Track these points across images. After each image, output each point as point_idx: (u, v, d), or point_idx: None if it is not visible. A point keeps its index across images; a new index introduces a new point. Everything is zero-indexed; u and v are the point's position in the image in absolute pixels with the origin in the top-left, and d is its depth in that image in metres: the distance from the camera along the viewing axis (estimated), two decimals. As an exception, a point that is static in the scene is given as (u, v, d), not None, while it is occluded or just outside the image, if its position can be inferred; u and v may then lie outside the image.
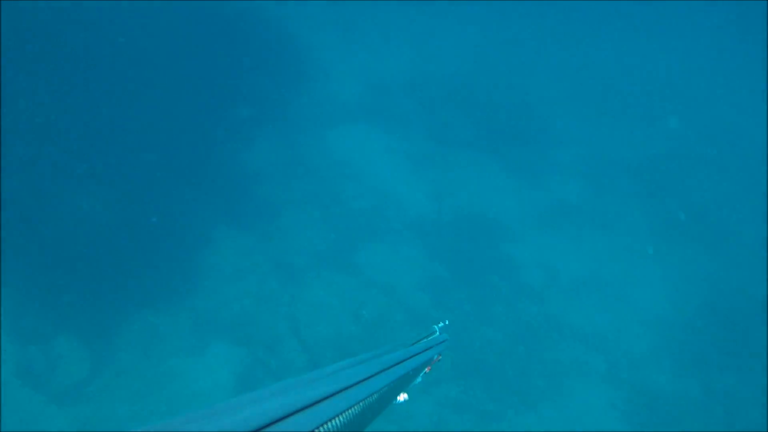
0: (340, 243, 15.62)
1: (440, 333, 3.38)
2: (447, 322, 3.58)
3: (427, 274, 15.61)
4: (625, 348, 15.68)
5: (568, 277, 16.99)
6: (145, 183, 14.96)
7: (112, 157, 15.00)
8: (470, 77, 21.45)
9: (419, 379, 2.77)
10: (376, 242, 15.90)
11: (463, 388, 13.89)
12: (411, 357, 2.24)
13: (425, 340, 3.03)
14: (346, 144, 18.28)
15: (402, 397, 2.31)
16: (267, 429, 0.91)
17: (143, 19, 18.21)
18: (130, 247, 13.74)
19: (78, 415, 11.35)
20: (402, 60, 22.09)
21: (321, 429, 1.06)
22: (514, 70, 22.46)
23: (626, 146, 21.50)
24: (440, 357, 3.08)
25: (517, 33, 25.17)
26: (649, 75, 25.29)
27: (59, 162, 14.40)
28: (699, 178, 20.65)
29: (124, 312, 12.87)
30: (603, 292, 16.83)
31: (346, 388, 1.32)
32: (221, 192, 15.74)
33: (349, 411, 1.23)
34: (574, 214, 18.70)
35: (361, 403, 1.34)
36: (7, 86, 14.48)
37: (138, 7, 18.09)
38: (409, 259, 15.81)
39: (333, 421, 1.11)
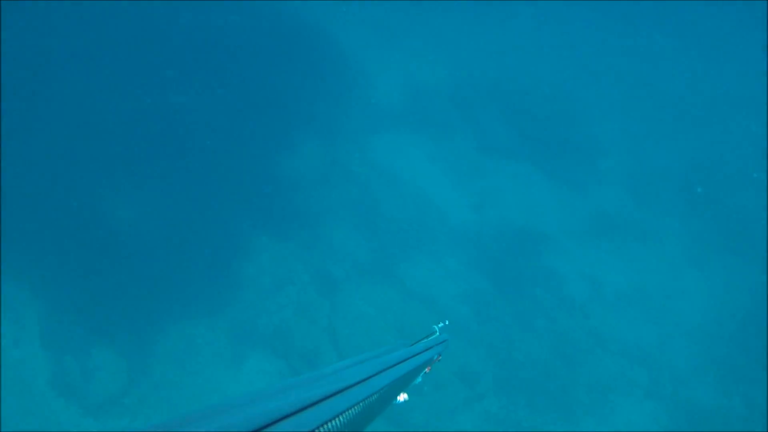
0: (381, 253, 15.53)
1: (440, 333, 3.33)
2: (447, 323, 3.54)
3: (468, 286, 15.53)
4: (668, 362, 15.48)
5: (611, 290, 16.79)
6: (185, 192, 15.01)
7: (152, 165, 15.07)
8: (513, 84, 21.19)
9: (419, 379, 2.75)
10: (418, 253, 15.80)
11: (504, 403, 13.82)
12: (411, 357, 2.22)
13: (425, 340, 2.98)
14: (387, 152, 18.19)
15: (402, 397, 2.32)
16: (267, 429, 0.90)
17: (185, 23, 18.38)
18: (169, 258, 13.73)
19: (114, 428, 11.36)
20: (445, 65, 21.90)
21: (321, 429, 1.05)
22: (557, 77, 22.13)
23: (670, 155, 21.11)
24: (440, 357, 3.01)
25: (561, 39, 24.81)
26: (695, 83, 24.74)
27: (98, 169, 14.56)
28: (744, 188, 20.19)
29: (161, 323, 12.87)
30: (646, 305, 16.59)
31: (346, 388, 1.32)
32: (261, 201, 15.68)
33: (350, 411, 1.22)
34: (617, 224, 18.43)
35: (361, 403, 1.32)
36: (52, 91, 14.76)
37: (180, 9, 18.28)
38: (450, 270, 15.75)
39: (333, 422, 1.11)
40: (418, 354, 2.36)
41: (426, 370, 2.77)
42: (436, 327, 3.39)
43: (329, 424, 1.08)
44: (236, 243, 14.68)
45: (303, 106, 18.17)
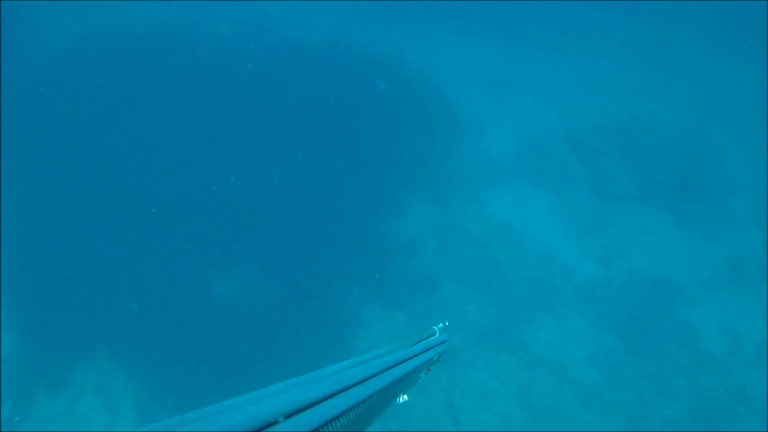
0: (502, 318, 15.18)
1: (440, 334, 3.35)
2: (447, 323, 3.55)
3: (598, 347, 15.06)
4: (819, 418, 14.41)
5: (752, 342, 15.72)
6: (292, 261, 15.08)
7: (261, 232, 15.41)
8: (631, 125, 20.30)
9: (419, 380, 2.77)
10: (542, 315, 15.35)
11: (645, 474, 13.45)
12: (411, 358, 2.21)
13: (425, 341, 2.98)
14: (503, 206, 17.90)
15: (402, 398, 2.35)
16: (268, 429, 0.90)
17: (294, 81, 19.07)
18: (277, 335, 13.69)
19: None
20: (558, 110, 21.40)
21: (322, 430, 1.05)
22: (680, 114, 20.97)
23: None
24: (440, 358, 3.03)
25: (679, 74, 23.47)
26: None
27: (198, 247, 15.07)
28: None
29: None
30: (791, 357, 15.51)
31: (346, 389, 1.31)
32: (369, 269, 15.50)
33: (350, 412, 1.21)
34: (755, 270, 17.24)
35: (361, 404, 1.31)
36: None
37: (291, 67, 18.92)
38: (577, 331, 15.35)
39: (334, 422, 1.10)
40: (418, 355, 2.37)
41: (426, 371, 2.79)
42: (435, 328, 3.43)
43: (330, 425, 1.09)
44: (346, 314, 14.57)
45: (412, 164, 18.14)
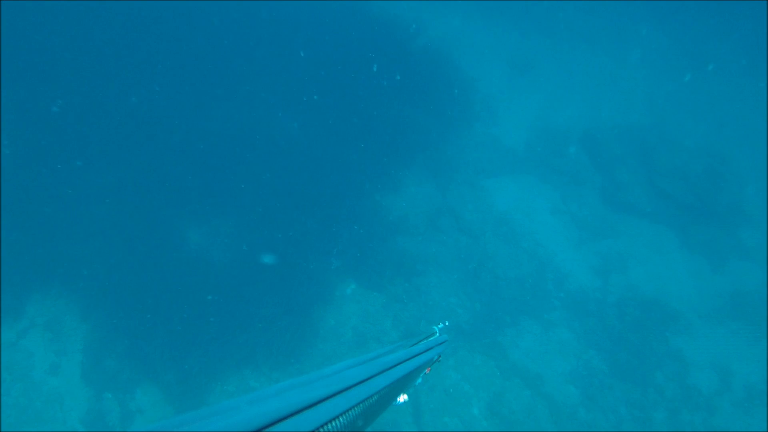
0: (485, 316, 14.06)
1: (440, 334, 3.29)
2: (447, 323, 3.53)
3: (581, 364, 13.99)
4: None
5: (742, 384, 14.82)
6: (272, 220, 13.79)
7: (235, 195, 14.18)
8: (652, 133, 19.04)
9: (419, 380, 2.77)
10: (527, 320, 14.26)
11: None
12: (411, 358, 2.20)
13: (425, 341, 2.94)
14: (505, 197, 16.70)
15: (402, 398, 2.35)
16: (268, 429, 0.89)
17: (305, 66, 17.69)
18: (241, 298, 12.45)
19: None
20: (580, 105, 20.11)
21: (321, 430, 1.04)
22: (708, 132, 19.66)
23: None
24: (440, 358, 3.00)
25: (713, 91, 22.02)
26: None
27: (174, 198, 13.89)
28: None
29: (221, 369, 11.67)
30: (780, 406, 14.58)
31: (346, 389, 1.29)
32: (353, 243, 14.26)
33: (350, 412, 1.20)
34: (758, 308, 16.23)
35: (361, 404, 1.30)
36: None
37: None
38: (562, 343, 14.24)
39: (334, 422, 1.09)
40: (418, 355, 2.34)
41: (426, 371, 2.78)
42: (435, 328, 3.35)
43: (330, 425, 1.08)
44: (319, 288, 13.33)
45: (415, 136, 16.80)
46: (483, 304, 14.33)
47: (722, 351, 15.25)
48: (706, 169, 17.87)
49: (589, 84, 20.88)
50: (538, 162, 17.93)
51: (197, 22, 16.78)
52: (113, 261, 12.39)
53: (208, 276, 12.52)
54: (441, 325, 3.46)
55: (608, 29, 23.26)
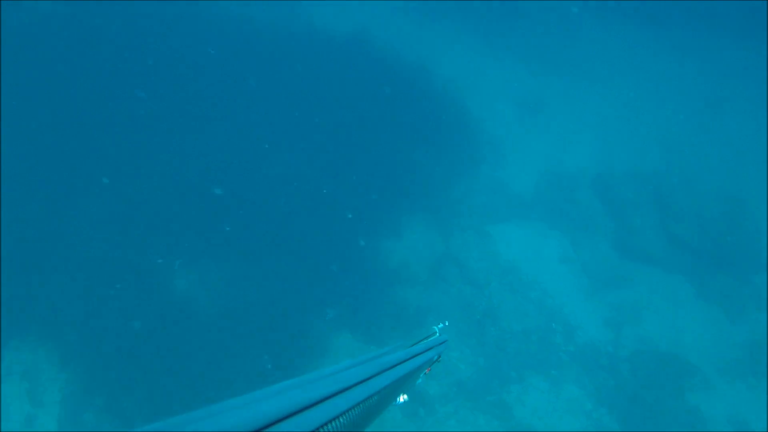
0: (489, 372, 13.51)
1: (440, 334, 3.28)
2: (447, 323, 3.48)
3: (591, 423, 13.32)
4: None
5: (762, 441, 14.05)
6: (264, 266, 13.35)
7: (232, 232, 13.84)
8: (668, 177, 18.38)
9: (419, 380, 2.81)
10: (534, 376, 13.64)
11: None
12: (411, 358, 2.17)
13: (425, 341, 2.96)
14: (512, 245, 16.13)
15: (402, 398, 2.44)
16: (267, 429, 0.89)
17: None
18: (230, 350, 11.97)
19: None
20: (590, 148, 19.56)
21: (321, 430, 1.03)
22: (720, 176, 18.88)
23: None
24: (440, 358, 3.02)
25: (731, 134, 21.13)
26: None
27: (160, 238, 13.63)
28: None
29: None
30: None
31: (346, 389, 1.29)
32: (349, 295, 13.69)
33: (350, 412, 1.20)
34: (777, 361, 15.41)
35: (361, 404, 1.30)
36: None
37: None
38: (571, 400, 13.58)
39: (333, 422, 1.09)
40: (418, 355, 2.33)
41: (426, 371, 2.80)
42: (435, 328, 3.36)
43: (329, 425, 1.08)
44: (314, 341, 12.85)
45: (417, 179, 16.35)
46: (487, 358, 13.74)
47: (740, 407, 14.48)
48: (723, 215, 17.18)
49: (601, 125, 20.32)
50: (548, 207, 17.37)
51: (201, 71, 16.67)
52: (94, 308, 12.05)
53: (193, 327, 12.11)
54: (441, 325, 3.45)
55: (621, 68, 22.78)
